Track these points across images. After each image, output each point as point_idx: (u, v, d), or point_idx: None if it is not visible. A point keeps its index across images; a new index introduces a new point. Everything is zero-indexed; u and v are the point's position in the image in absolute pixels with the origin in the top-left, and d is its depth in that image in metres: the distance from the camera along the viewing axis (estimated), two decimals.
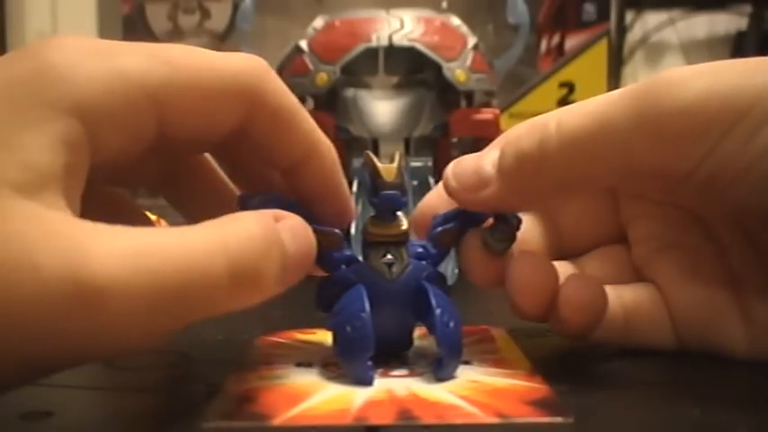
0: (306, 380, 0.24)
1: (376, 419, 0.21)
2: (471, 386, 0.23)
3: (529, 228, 0.29)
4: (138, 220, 0.29)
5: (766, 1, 1.06)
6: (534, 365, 0.26)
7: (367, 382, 0.24)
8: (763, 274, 0.26)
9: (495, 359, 0.26)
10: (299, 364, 0.26)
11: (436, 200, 0.28)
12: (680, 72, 0.23)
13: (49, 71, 0.21)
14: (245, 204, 0.25)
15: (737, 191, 0.23)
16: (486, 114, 0.49)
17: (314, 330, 0.30)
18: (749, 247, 0.26)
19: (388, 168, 0.25)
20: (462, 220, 0.27)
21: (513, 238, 0.27)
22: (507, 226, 0.26)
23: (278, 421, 0.21)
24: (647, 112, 0.23)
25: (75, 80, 0.21)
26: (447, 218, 0.27)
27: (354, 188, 0.46)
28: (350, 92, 0.50)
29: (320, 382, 0.24)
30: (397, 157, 0.25)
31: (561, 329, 0.26)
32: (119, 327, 0.19)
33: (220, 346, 0.29)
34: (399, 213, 0.26)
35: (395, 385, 0.23)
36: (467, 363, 0.26)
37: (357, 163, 0.47)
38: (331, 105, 0.50)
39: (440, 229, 0.27)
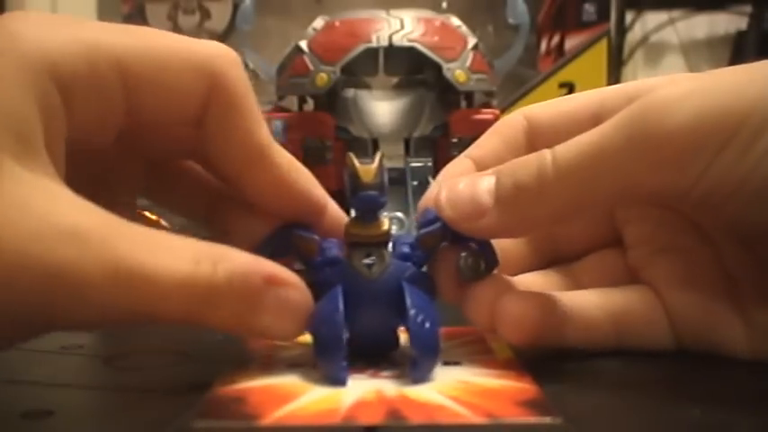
0: (295, 380, 0.24)
1: (365, 419, 0.21)
2: (460, 387, 0.23)
3: (518, 239, 0.29)
4: (138, 221, 0.29)
5: (766, 1, 1.07)
6: (526, 366, 0.26)
7: (340, 382, 0.23)
8: (760, 276, 0.26)
9: (485, 360, 0.26)
10: (290, 365, 0.26)
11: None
12: (669, 95, 0.23)
13: (20, 39, 0.22)
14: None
15: (734, 205, 0.24)
16: (486, 115, 0.50)
17: None
18: (745, 251, 0.26)
19: (366, 169, 0.25)
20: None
21: (483, 275, 0.27)
22: (485, 262, 0.27)
23: (267, 421, 0.21)
24: (640, 138, 0.23)
25: (46, 47, 0.22)
26: (431, 220, 0.27)
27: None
28: (350, 92, 0.50)
29: (309, 382, 0.24)
30: (377, 158, 0.25)
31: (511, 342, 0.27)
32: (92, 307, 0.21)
33: (219, 347, 0.29)
34: (381, 214, 0.26)
35: (384, 386, 0.23)
36: (457, 363, 0.26)
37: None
38: (331, 106, 0.50)
39: (423, 231, 0.27)
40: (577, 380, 0.25)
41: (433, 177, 0.45)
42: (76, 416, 0.23)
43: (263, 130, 0.26)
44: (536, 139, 0.29)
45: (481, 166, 0.28)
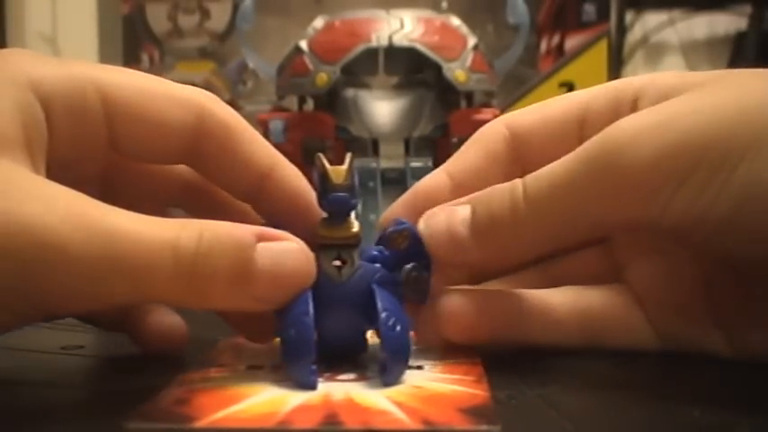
0: (249, 382, 0.24)
1: (299, 424, 0.20)
2: (411, 392, 0.23)
3: None
4: None
5: (766, 1, 1.07)
6: (519, 366, 0.25)
7: (310, 386, 0.23)
8: (736, 286, 0.26)
9: (451, 364, 0.26)
10: (249, 367, 0.26)
11: (400, 211, 0.28)
12: (630, 130, 0.24)
13: (9, 62, 0.24)
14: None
15: (698, 236, 0.24)
16: (486, 114, 0.50)
17: None
18: (722, 261, 0.26)
19: (337, 170, 0.25)
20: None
21: (426, 291, 0.26)
22: (422, 281, 0.26)
23: (200, 423, 0.20)
24: (602, 174, 0.24)
25: (31, 68, 0.24)
26: (401, 221, 0.27)
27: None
28: (350, 92, 0.50)
29: (263, 384, 0.24)
30: (347, 159, 0.25)
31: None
32: (64, 286, 0.21)
33: (218, 350, 0.29)
34: (351, 215, 0.26)
35: (335, 389, 0.23)
36: (419, 368, 0.25)
37: (357, 163, 0.47)
38: (331, 106, 0.50)
39: (390, 229, 0.26)
40: (573, 380, 0.25)
41: None
42: (75, 416, 0.23)
43: (265, 151, 0.26)
44: (519, 147, 0.28)
45: (457, 182, 0.28)
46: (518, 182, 0.25)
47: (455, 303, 0.26)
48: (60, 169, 0.23)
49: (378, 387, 0.23)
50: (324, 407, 0.21)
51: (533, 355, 0.27)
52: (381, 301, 0.24)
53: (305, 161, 0.49)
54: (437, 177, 0.29)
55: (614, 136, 0.24)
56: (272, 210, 0.27)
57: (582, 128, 0.28)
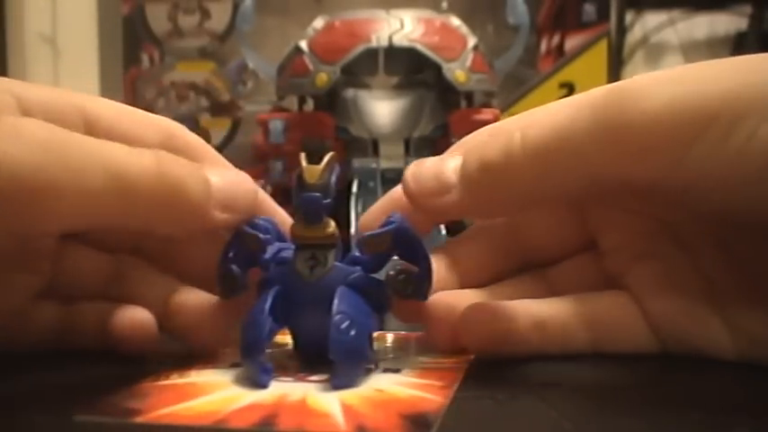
0: (218, 380, 0.24)
1: (234, 423, 0.20)
2: (368, 395, 0.23)
3: (485, 245, 0.29)
4: None
5: (766, 1, 1.07)
6: (518, 370, 0.25)
7: (261, 384, 0.23)
8: (738, 279, 0.26)
9: (429, 368, 0.25)
10: (233, 365, 0.26)
11: (378, 213, 0.28)
12: (641, 82, 0.23)
13: None
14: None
15: (712, 201, 0.23)
16: (486, 115, 0.50)
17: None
18: (723, 254, 0.26)
19: (311, 169, 0.25)
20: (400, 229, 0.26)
21: (416, 284, 0.26)
22: (413, 288, 0.26)
23: (141, 418, 0.21)
24: (608, 124, 0.22)
25: (14, 84, 0.25)
26: (383, 225, 0.26)
27: (354, 188, 0.46)
28: (350, 92, 0.50)
29: (229, 382, 0.24)
30: (325, 159, 0.25)
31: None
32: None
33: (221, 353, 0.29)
34: (330, 216, 0.25)
35: (295, 390, 0.23)
36: (396, 371, 0.25)
37: (357, 163, 0.47)
38: (331, 106, 0.50)
39: (366, 234, 0.26)
40: (573, 381, 0.25)
41: None
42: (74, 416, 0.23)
43: (229, 168, 0.29)
44: None
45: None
46: (515, 130, 0.24)
47: (472, 314, 0.26)
48: None
49: (339, 390, 0.23)
50: (269, 407, 0.21)
51: (534, 356, 0.27)
52: (339, 302, 0.24)
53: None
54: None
55: (623, 86, 0.23)
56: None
57: None
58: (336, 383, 0.23)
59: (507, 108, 0.75)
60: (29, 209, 0.21)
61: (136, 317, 0.27)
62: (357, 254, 0.26)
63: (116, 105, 0.28)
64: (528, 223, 0.29)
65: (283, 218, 0.29)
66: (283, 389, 0.23)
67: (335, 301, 0.24)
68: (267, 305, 0.24)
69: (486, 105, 0.53)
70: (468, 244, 0.29)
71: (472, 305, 0.26)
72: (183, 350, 0.28)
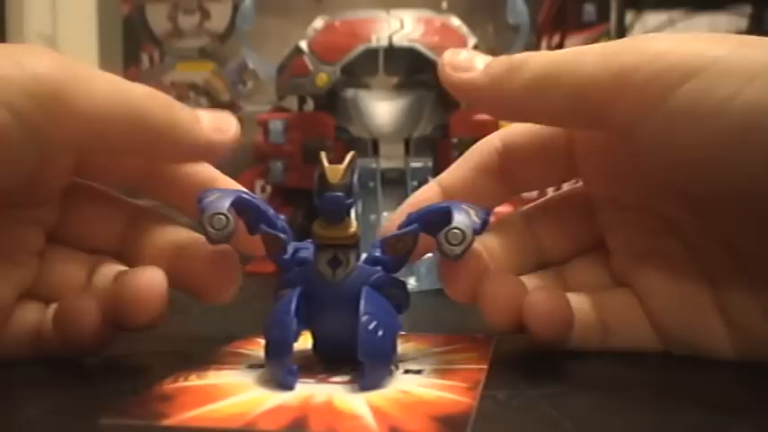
0: (239, 381, 0.24)
1: (264, 426, 0.20)
2: (395, 397, 0.23)
3: (505, 243, 0.30)
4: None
5: (766, 1, 1.06)
6: (517, 369, 0.25)
7: (287, 386, 0.23)
8: (741, 278, 0.26)
9: (451, 369, 0.26)
10: (250, 366, 0.26)
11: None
12: (659, 34, 0.25)
13: None
14: (201, 199, 0.26)
15: (689, 153, 0.23)
16: (486, 115, 0.49)
17: None
18: (726, 253, 0.27)
19: (334, 169, 0.24)
20: (425, 223, 0.26)
21: (465, 241, 0.25)
22: (459, 231, 0.25)
23: (169, 421, 0.20)
24: (614, 54, 0.24)
25: None
26: (410, 221, 0.27)
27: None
28: (350, 92, 0.50)
29: (252, 384, 0.24)
30: (347, 158, 0.25)
31: (534, 340, 0.27)
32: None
33: (220, 351, 0.29)
34: (351, 215, 0.25)
35: (320, 391, 0.23)
36: (418, 372, 0.25)
37: (357, 164, 0.47)
38: (331, 106, 0.50)
39: (389, 235, 0.26)
40: (574, 380, 0.25)
41: (433, 177, 0.45)
42: (73, 416, 0.23)
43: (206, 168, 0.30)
44: (509, 161, 0.30)
45: (448, 192, 0.30)
46: (545, 51, 0.27)
47: (544, 300, 0.26)
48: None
49: (361, 391, 0.23)
50: (297, 409, 0.21)
51: (534, 355, 0.27)
52: (366, 303, 0.24)
53: (305, 161, 0.49)
54: (430, 189, 0.30)
55: (638, 35, 0.25)
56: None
57: (570, 144, 0.29)
58: (365, 384, 0.23)
59: None
60: (48, 108, 0.24)
61: (149, 275, 0.26)
62: (377, 254, 0.26)
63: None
64: (542, 223, 0.30)
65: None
66: (308, 390, 0.23)
67: (362, 302, 0.24)
68: (293, 306, 0.24)
69: None
70: (489, 241, 0.29)
71: (540, 292, 0.27)
72: (188, 349, 0.28)
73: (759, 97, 0.22)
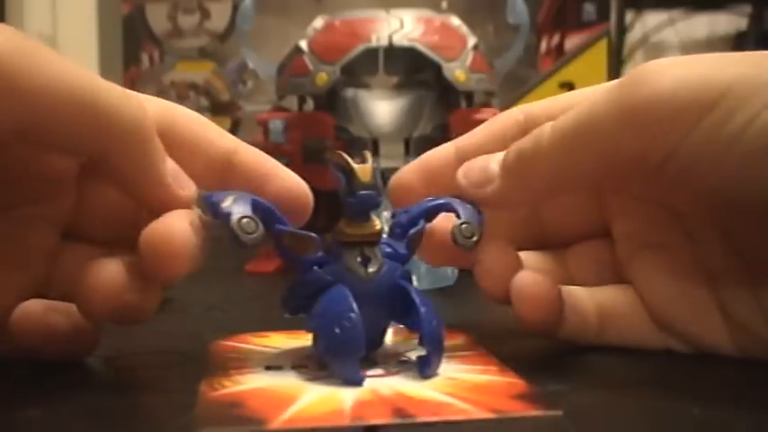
0: (285, 382, 0.24)
1: (373, 418, 0.20)
2: (452, 383, 0.23)
3: (507, 219, 0.30)
4: None
5: (766, 1, 1.07)
6: (517, 363, 0.26)
7: (357, 382, 0.23)
8: (743, 274, 0.26)
9: (460, 356, 0.27)
10: (268, 368, 0.26)
11: (410, 174, 0.30)
12: (658, 63, 0.24)
13: None
14: (215, 203, 0.25)
15: (714, 180, 0.24)
16: (486, 114, 0.49)
17: (266, 334, 0.30)
18: (728, 246, 0.27)
19: (363, 168, 0.25)
20: (428, 218, 0.28)
21: (477, 233, 0.27)
22: (470, 225, 0.27)
23: (274, 425, 0.20)
24: (626, 101, 0.24)
25: None
26: (413, 216, 0.27)
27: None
28: (350, 92, 0.50)
29: (300, 383, 0.24)
30: (369, 157, 0.25)
31: (523, 326, 0.27)
32: None
33: (218, 348, 0.29)
34: (373, 213, 0.26)
35: (378, 385, 0.23)
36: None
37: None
38: (331, 105, 0.50)
39: (413, 231, 0.27)
40: (573, 379, 0.25)
41: None
42: (73, 416, 0.23)
43: (226, 136, 0.28)
44: (529, 132, 0.29)
45: (462, 155, 0.29)
46: (547, 123, 0.26)
47: (532, 283, 0.27)
48: None
49: (410, 380, 0.24)
50: (382, 402, 0.22)
51: (534, 353, 0.27)
52: (417, 296, 0.25)
53: (305, 161, 0.49)
54: (445, 149, 0.30)
55: (639, 70, 0.24)
56: (241, 188, 0.26)
57: None
58: (429, 372, 0.24)
59: (507, 108, 0.75)
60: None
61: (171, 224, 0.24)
62: (388, 249, 0.26)
63: (191, 115, 0.28)
64: (549, 206, 0.30)
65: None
66: (366, 384, 0.23)
67: (415, 297, 0.25)
68: (353, 304, 0.24)
69: (486, 105, 0.53)
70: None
71: (528, 277, 0.27)
72: (188, 349, 0.28)
73: None
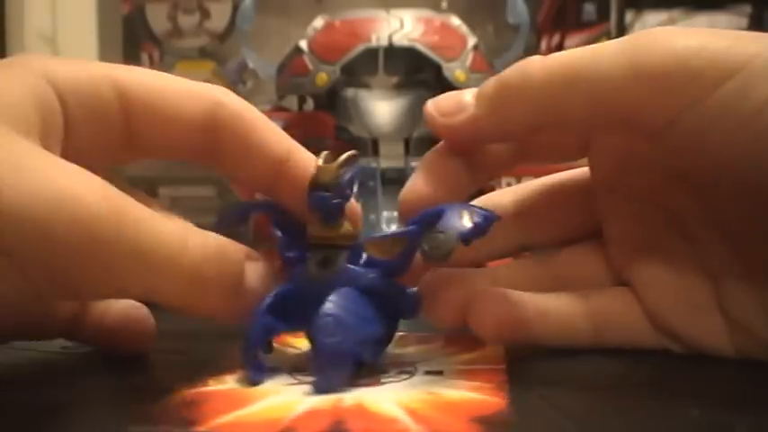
0: (266, 385, 0.24)
1: (303, 430, 0.20)
2: (426, 398, 0.22)
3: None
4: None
5: (766, 1, 1.06)
6: (519, 366, 0.25)
7: (253, 381, 0.23)
8: (742, 275, 0.26)
9: (471, 370, 0.25)
10: (270, 369, 0.25)
11: (420, 186, 0.27)
12: (673, 28, 0.24)
13: (26, 59, 0.24)
14: (221, 218, 0.25)
15: (729, 150, 0.23)
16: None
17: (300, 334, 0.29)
18: (728, 246, 0.26)
19: (325, 168, 0.24)
20: (419, 228, 0.25)
21: (447, 249, 0.23)
22: (444, 236, 0.24)
23: (201, 428, 0.20)
24: (636, 55, 0.23)
25: (47, 64, 0.24)
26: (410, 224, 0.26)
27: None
28: (350, 92, 0.50)
29: (279, 387, 0.23)
30: (341, 158, 0.24)
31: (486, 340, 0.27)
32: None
33: (220, 348, 0.29)
34: (344, 216, 0.25)
35: (347, 395, 0.23)
36: (439, 373, 0.25)
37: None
38: (331, 105, 0.50)
39: (374, 236, 0.26)
40: (573, 380, 0.25)
41: None
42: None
43: (281, 138, 0.27)
44: None
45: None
46: (537, 56, 0.25)
47: (482, 301, 0.26)
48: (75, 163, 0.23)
49: (391, 393, 0.23)
50: (332, 413, 0.21)
51: (533, 355, 0.27)
52: (328, 304, 0.23)
53: None
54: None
55: (655, 30, 0.24)
56: (290, 196, 0.26)
57: None
58: (316, 387, 0.23)
59: None
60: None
61: (133, 314, 0.27)
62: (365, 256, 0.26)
63: (155, 81, 0.26)
64: (534, 205, 0.29)
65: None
66: (334, 395, 0.23)
67: (325, 304, 0.23)
68: (267, 302, 0.24)
69: None
70: None
71: (483, 294, 0.26)
72: (188, 349, 0.28)
73: None
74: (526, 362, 0.26)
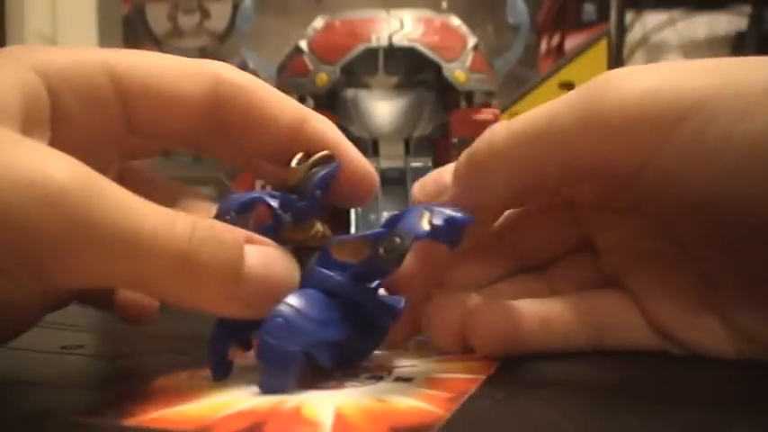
0: (222, 384, 0.23)
1: (219, 430, 0.20)
2: (368, 405, 0.22)
3: (476, 253, 0.29)
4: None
5: (766, 1, 1.06)
6: (515, 369, 0.25)
7: (215, 378, 0.24)
8: (738, 279, 0.26)
9: (442, 378, 0.25)
10: (243, 368, 0.25)
11: (431, 185, 0.27)
12: (620, 72, 0.23)
13: (14, 50, 0.23)
14: (220, 209, 0.25)
15: (698, 185, 0.23)
16: (486, 114, 0.50)
17: None
18: (722, 253, 0.26)
19: (295, 170, 0.24)
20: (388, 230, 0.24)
21: (400, 252, 0.23)
22: (399, 242, 0.23)
23: (129, 422, 0.20)
24: (592, 107, 0.23)
25: (36, 54, 0.23)
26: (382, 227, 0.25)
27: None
28: (350, 92, 0.50)
29: (233, 386, 0.23)
30: (312, 159, 0.24)
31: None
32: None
33: None
34: (316, 219, 0.25)
35: (293, 399, 0.22)
36: (408, 380, 0.24)
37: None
38: (331, 106, 0.50)
39: (339, 237, 0.25)
40: (573, 381, 0.25)
41: None
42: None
43: (292, 105, 0.26)
44: None
45: None
46: (501, 122, 0.25)
47: (481, 315, 0.26)
48: (80, 158, 0.22)
49: (340, 397, 0.22)
50: (261, 415, 0.21)
51: (533, 355, 0.27)
52: (281, 305, 0.22)
53: None
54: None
55: (605, 77, 0.23)
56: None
57: None
58: (263, 386, 0.23)
59: (507, 108, 0.75)
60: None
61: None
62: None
63: (150, 62, 0.25)
64: (524, 226, 0.29)
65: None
66: (285, 396, 0.22)
67: (280, 304, 0.22)
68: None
69: (486, 105, 0.53)
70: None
71: (479, 307, 0.26)
72: (186, 349, 0.28)
73: (759, 129, 0.21)
74: (525, 362, 0.26)
